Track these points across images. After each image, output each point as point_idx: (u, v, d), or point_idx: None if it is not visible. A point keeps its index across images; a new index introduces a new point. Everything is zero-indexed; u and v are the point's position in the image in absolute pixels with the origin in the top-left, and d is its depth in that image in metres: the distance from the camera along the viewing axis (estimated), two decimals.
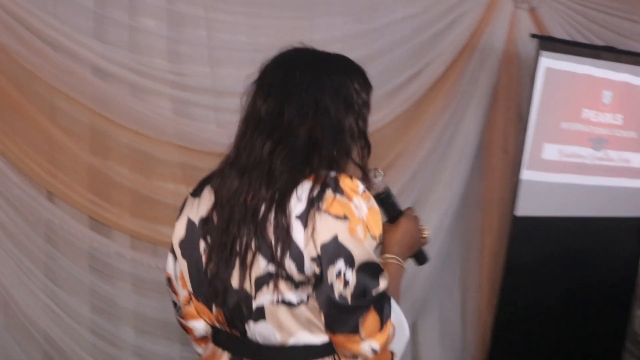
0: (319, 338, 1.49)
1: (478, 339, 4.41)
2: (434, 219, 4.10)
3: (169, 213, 3.14)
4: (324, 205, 1.41)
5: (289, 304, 1.46)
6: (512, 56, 4.22)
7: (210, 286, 1.51)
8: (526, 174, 4.07)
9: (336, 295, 1.40)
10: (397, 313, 1.46)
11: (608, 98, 4.25)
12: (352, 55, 1.68)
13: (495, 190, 4.33)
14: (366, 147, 1.54)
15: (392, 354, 1.47)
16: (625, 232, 4.48)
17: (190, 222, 1.60)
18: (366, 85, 1.57)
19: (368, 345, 1.43)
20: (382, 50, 3.83)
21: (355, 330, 1.41)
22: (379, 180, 1.64)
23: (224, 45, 3.48)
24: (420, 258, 1.75)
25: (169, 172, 3.42)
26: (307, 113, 1.46)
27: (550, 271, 4.24)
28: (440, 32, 4.02)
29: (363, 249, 1.42)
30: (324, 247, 1.40)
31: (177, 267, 1.64)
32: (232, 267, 1.47)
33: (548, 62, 4.00)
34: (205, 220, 1.56)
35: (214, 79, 3.46)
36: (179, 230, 1.62)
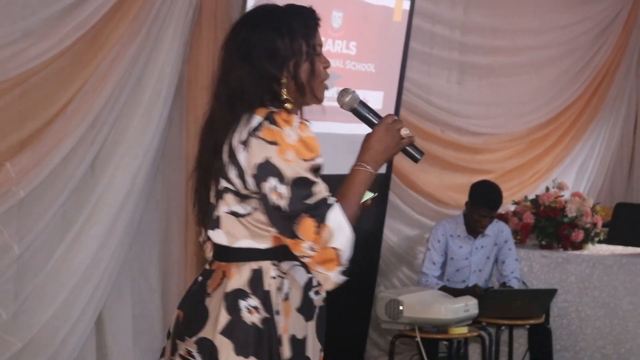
0: (261, 245, 1.97)
1: None
2: (122, 180, 3.71)
3: None
4: (260, 133, 1.91)
5: (236, 214, 1.97)
6: None
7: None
8: None
9: (271, 205, 1.89)
10: (336, 216, 1.90)
11: (338, 20, 4.18)
12: None
13: None
14: (311, 81, 2.02)
15: (336, 250, 1.90)
16: None
17: None
18: (297, 32, 1.99)
19: (308, 245, 1.89)
20: None
21: (293, 234, 1.89)
22: (348, 99, 2.05)
23: None
24: (411, 155, 2.06)
25: None
26: (236, 67, 1.99)
27: None
28: None
29: (291, 168, 1.89)
30: (259, 166, 1.90)
31: None
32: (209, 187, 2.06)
33: None
34: None
35: None
36: None
